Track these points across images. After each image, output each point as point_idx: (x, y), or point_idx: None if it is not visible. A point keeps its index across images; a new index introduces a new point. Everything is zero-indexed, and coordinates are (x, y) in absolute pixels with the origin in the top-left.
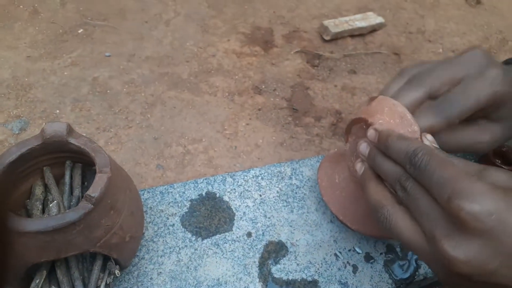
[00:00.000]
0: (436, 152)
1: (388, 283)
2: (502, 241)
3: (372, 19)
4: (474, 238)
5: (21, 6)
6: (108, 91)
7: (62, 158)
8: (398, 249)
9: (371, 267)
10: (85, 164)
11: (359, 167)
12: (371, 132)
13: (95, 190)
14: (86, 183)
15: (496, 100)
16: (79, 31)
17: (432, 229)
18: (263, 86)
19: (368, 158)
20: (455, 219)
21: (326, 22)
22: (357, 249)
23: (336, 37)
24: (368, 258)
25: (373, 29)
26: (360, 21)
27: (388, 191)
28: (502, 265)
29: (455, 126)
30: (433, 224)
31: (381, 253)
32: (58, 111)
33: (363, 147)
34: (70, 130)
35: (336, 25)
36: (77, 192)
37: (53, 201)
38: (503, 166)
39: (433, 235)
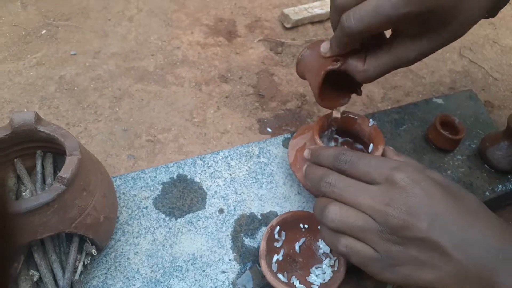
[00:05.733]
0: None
1: None
2: (427, 202)
3: None
4: (408, 195)
5: None
6: (76, 88)
7: (32, 149)
8: None
9: None
10: (55, 153)
11: (304, 167)
12: (306, 152)
13: (66, 171)
14: (58, 172)
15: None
16: (42, 32)
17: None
18: (229, 75)
19: (311, 157)
20: (392, 186)
21: (286, 11)
22: None
23: (297, 25)
24: None
25: None
26: (319, 8)
27: (327, 169)
28: (431, 224)
29: (377, 49)
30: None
31: None
32: (26, 109)
33: (306, 153)
34: (38, 118)
35: (296, 12)
36: (49, 180)
37: (26, 190)
38: (450, 136)
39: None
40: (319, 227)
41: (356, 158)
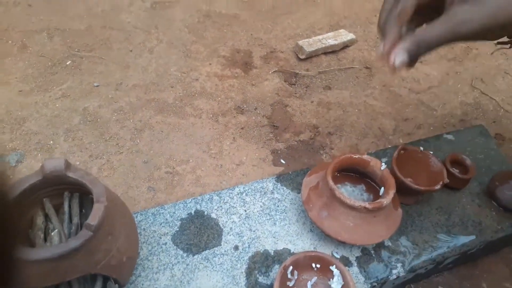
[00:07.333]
0: None
1: (364, 283)
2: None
3: (344, 36)
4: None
5: (9, 42)
6: (99, 119)
7: (61, 190)
8: (372, 252)
9: (347, 270)
10: (82, 193)
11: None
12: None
13: (93, 219)
14: (83, 210)
15: None
16: (68, 63)
17: None
18: (245, 106)
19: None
20: None
21: (301, 42)
22: (335, 254)
23: (311, 55)
24: (345, 262)
25: (345, 46)
26: (332, 39)
27: None
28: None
29: None
30: None
31: (356, 257)
32: (52, 142)
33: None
34: (67, 165)
35: (310, 44)
36: (76, 220)
37: (54, 230)
38: (460, 176)
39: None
40: (330, 267)
41: None
